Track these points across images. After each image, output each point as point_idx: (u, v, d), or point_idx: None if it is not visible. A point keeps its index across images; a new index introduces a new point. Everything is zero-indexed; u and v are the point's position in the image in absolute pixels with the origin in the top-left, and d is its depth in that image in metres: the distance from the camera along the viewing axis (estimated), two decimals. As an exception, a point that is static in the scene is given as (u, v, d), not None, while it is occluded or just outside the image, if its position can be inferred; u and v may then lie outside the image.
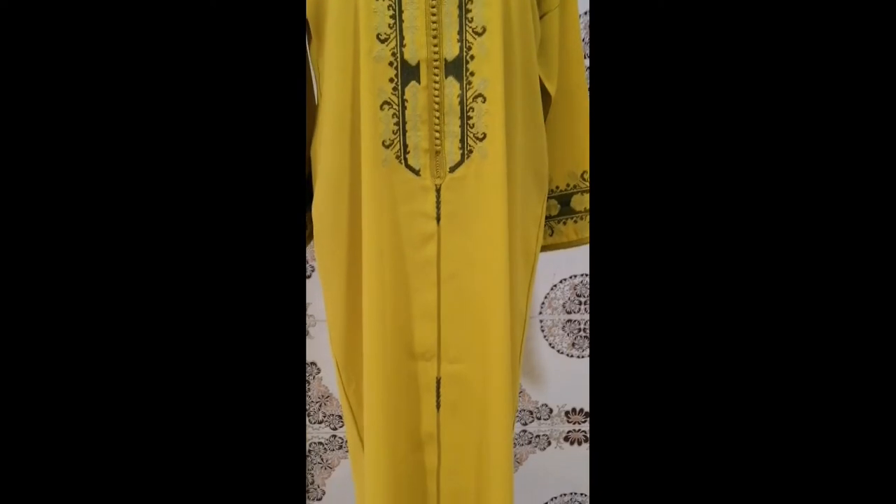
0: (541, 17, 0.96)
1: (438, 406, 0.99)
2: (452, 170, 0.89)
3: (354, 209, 0.92)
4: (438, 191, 0.89)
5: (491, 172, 0.88)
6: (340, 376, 1.05)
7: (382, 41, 0.84)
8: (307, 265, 1.42)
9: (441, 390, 0.98)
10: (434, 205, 0.89)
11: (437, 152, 0.88)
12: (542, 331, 1.49)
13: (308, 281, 1.43)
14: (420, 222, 0.90)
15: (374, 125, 0.86)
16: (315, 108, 0.97)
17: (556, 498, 1.62)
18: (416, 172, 0.88)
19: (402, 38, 0.84)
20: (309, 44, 0.96)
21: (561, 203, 1.09)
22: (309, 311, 1.45)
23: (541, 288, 1.46)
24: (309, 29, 0.92)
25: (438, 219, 0.90)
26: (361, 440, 1.06)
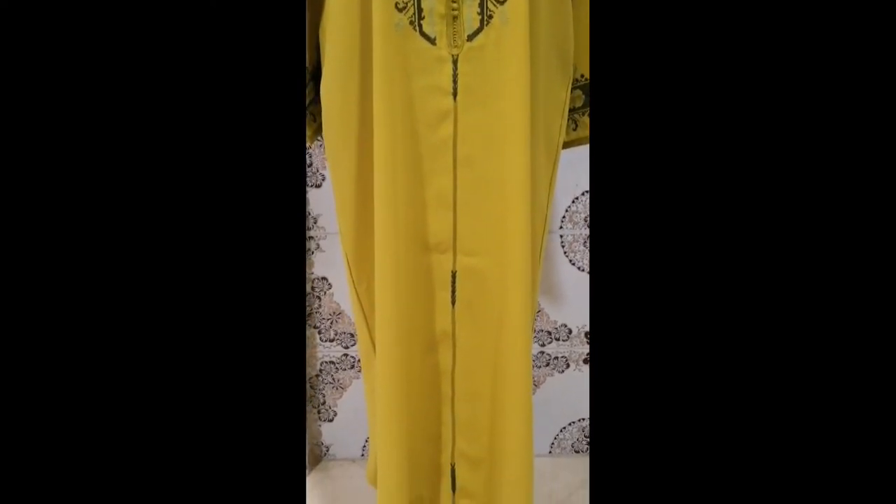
0: None
1: (454, 302, 0.94)
2: (470, 38, 0.82)
3: (365, 86, 0.86)
4: (455, 62, 0.82)
5: (512, 41, 0.81)
6: (351, 274, 1.00)
7: None
8: (317, 174, 1.36)
9: (456, 285, 0.93)
10: (450, 78, 0.83)
11: (455, 17, 0.81)
12: (563, 247, 1.43)
13: (318, 190, 1.38)
14: (435, 98, 0.84)
15: None
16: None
17: (573, 423, 1.58)
18: (432, 41, 0.82)
19: None
20: None
21: (586, 94, 1.02)
22: (319, 222, 1.40)
23: (562, 200, 1.39)
24: None
25: (455, 94, 0.83)
26: (374, 342, 1.01)
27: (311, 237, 1.41)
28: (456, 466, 1.03)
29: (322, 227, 1.40)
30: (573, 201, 1.40)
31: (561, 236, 1.42)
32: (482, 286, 0.92)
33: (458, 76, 0.83)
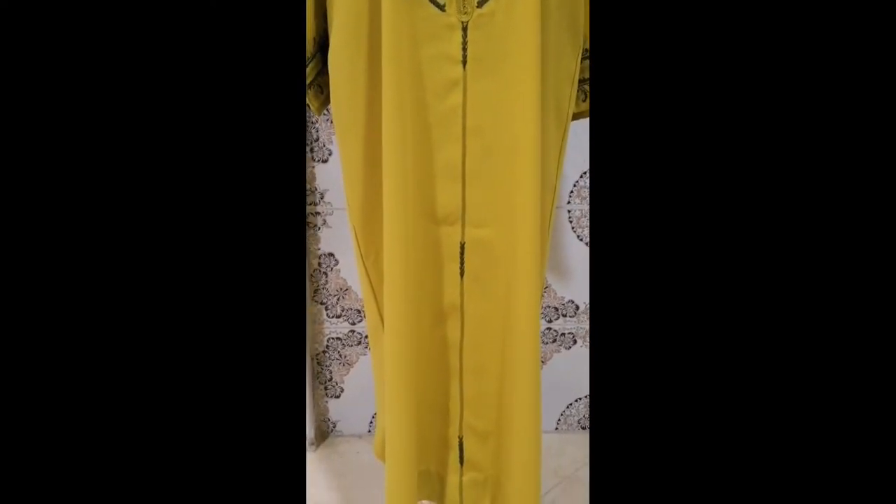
0: None
1: (462, 274, 0.93)
2: (480, 4, 0.80)
3: (374, 55, 0.85)
4: (465, 29, 0.81)
5: (522, 7, 0.80)
6: (359, 246, 0.99)
7: None
8: (324, 149, 1.35)
9: (465, 257, 0.92)
10: (460, 46, 0.82)
11: (464, -17, 0.80)
12: (570, 222, 1.42)
13: (324, 165, 1.37)
14: (444, 66, 0.83)
15: None
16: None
17: (580, 399, 1.58)
18: (441, 7, 0.80)
19: None
20: None
21: (590, 64, 1.01)
22: (326, 198, 1.39)
23: (570, 175, 1.38)
24: None
25: (465, 62, 0.82)
26: (382, 318, 1.00)
27: (317, 213, 1.40)
28: (464, 439, 1.03)
29: (329, 203, 1.39)
30: (581, 176, 1.39)
31: (569, 211, 1.41)
32: (491, 258, 0.92)
33: (468, 44, 0.82)
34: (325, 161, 1.36)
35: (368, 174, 0.92)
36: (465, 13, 0.81)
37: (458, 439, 1.03)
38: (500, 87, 0.83)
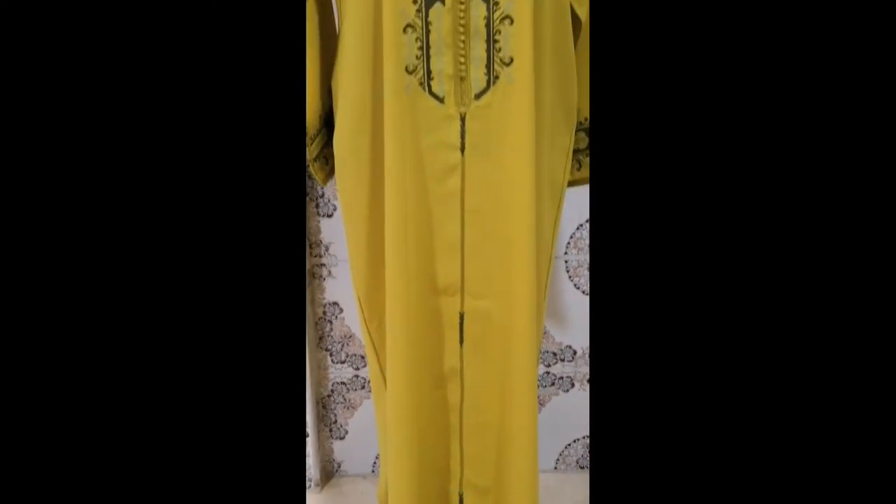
0: (571, -63, 0.91)
1: (462, 341, 0.98)
2: (478, 97, 0.85)
3: (377, 139, 0.90)
4: (463, 119, 0.86)
5: (518, 99, 0.84)
6: (363, 312, 1.04)
7: (405, -40, 0.80)
8: (329, 204, 1.40)
9: (464, 326, 0.97)
10: (458, 134, 0.86)
11: (462, 78, 0.85)
12: (568, 271, 1.47)
13: (329, 220, 1.42)
14: (444, 153, 0.87)
15: (397, 50, 0.82)
16: (336, 38, 0.94)
17: (578, 440, 1.62)
18: (440, 100, 0.85)
19: (425, -44, 0.80)
20: (329, -34, 0.93)
21: (589, 135, 1.06)
22: (331, 250, 1.44)
23: (567, 228, 1.43)
24: (328, -50, 0.88)
25: (463, 149, 0.87)
26: (384, 377, 1.05)
27: (322, 264, 1.45)
28: (464, 495, 1.07)
29: (333, 255, 1.44)
30: (577, 228, 1.43)
31: (566, 261, 1.46)
32: (489, 327, 0.96)
33: (466, 132, 0.86)
34: (329, 216, 1.41)
35: (372, 246, 0.97)
36: (464, 105, 0.85)
37: (458, 495, 1.08)
38: (497, 171, 0.88)
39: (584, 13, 0.95)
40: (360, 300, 1.02)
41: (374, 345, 1.05)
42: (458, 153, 0.87)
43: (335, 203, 1.39)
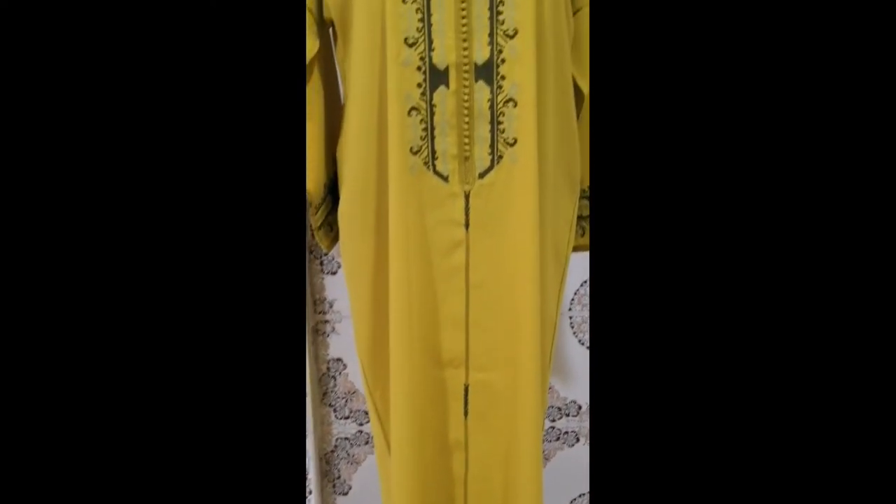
0: (574, 14, 0.92)
1: (466, 414, 0.97)
2: (482, 176, 0.86)
3: (381, 214, 0.90)
4: (467, 197, 0.87)
5: (521, 178, 0.85)
6: (367, 379, 1.04)
7: (410, 45, 0.81)
8: (333, 262, 1.41)
9: (469, 398, 0.97)
10: (462, 211, 0.87)
11: (466, 158, 0.85)
12: (572, 327, 1.46)
13: (333, 277, 1.42)
14: (448, 229, 0.88)
15: (402, 131, 0.83)
16: (341, 108, 0.95)
17: (583, 494, 1.61)
18: (445, 179, 0.86)
19: (430, 41, 0.81)
20: (335, 44, 0.94)
21: (590, 203, 1.06)
22: (335, 307, 1.44)
23: (571, 284, 1.43)
24: (335, 29, 0.90)
25: (467, 225, 0.88)
26: (388, 443, 1.04)
27: (326, 321, 1.45)
28: (469, 564, 1.06)
29: (337, 312, 1.44)
30: (581, 284, 1.43)
31: (570, 317, 1.46)
32: (494, 399, 0.96)
33: (470, 210, 0.87)
34: (333, 273, 1.41)
35: (376, 317, 0.97)
36: (468, 183, 0.86)
37: (463, 564, 1.06)
38: (501, 247, 0.88)
39: (586, 86, 0.96)
40: (364, 368, 1.02)
41: (378, 412, 1.05)
42: (463, 229, 0.88)
43: (339, 261, 1.40)
